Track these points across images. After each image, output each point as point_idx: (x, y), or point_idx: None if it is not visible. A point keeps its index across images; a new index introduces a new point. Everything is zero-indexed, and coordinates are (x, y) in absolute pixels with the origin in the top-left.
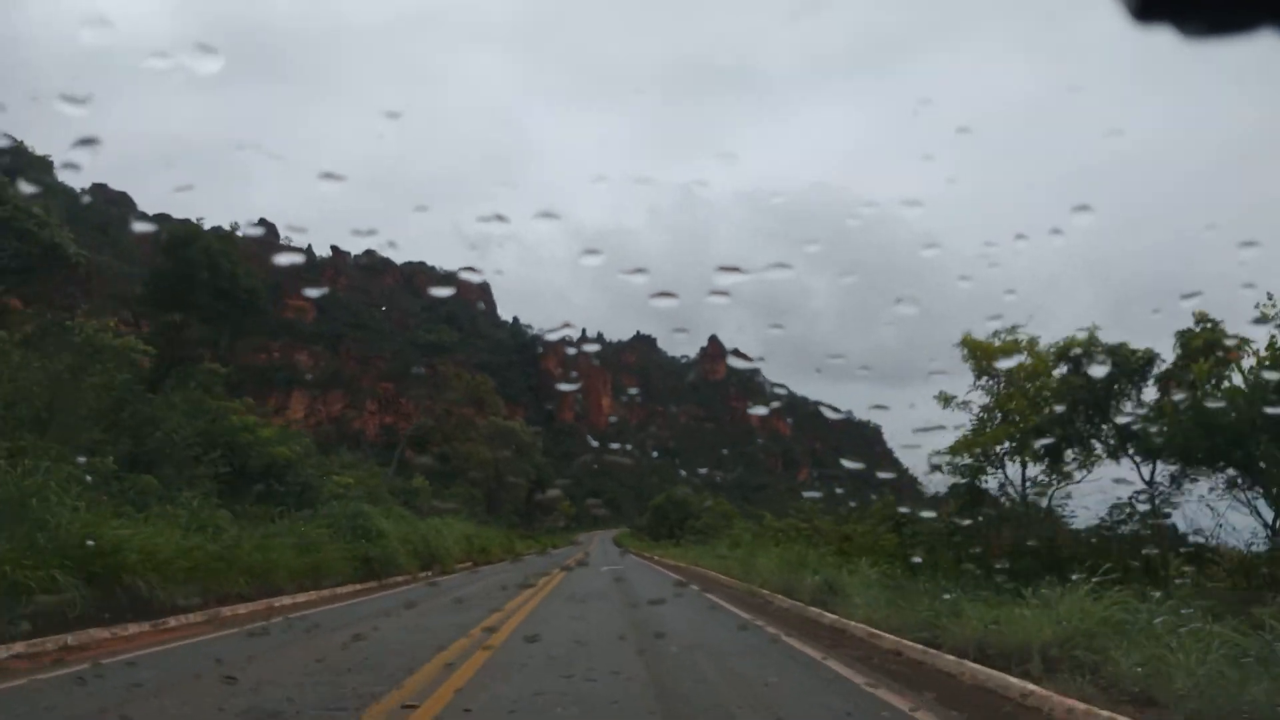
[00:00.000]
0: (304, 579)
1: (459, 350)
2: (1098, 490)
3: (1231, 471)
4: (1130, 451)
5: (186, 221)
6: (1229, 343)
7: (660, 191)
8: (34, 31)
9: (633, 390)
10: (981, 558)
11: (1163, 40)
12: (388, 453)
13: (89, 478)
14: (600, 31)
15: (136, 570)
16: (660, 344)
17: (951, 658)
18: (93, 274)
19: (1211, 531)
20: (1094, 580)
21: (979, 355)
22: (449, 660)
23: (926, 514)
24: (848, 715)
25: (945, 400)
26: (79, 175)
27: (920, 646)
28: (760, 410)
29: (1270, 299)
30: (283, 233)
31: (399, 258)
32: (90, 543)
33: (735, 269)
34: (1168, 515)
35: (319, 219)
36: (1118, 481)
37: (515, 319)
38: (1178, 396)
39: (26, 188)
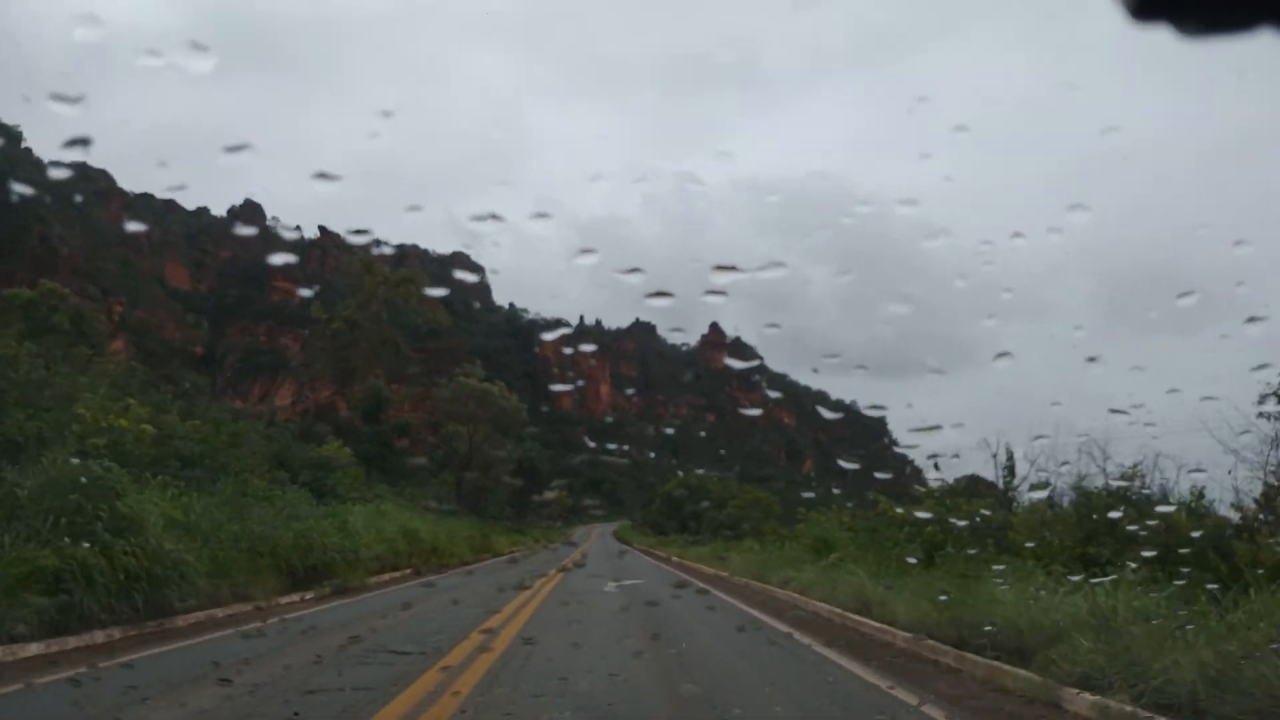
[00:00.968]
0: None
1: (453, 335)
2: None
3: None
4: None
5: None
6: None
7: (658, 181)
8: (27, 26)
9: (630, 391)
10: None
11: (1161, 39)
12: (377, 443)
13: None
14: (599, 24)
15: None
16: (660, 331)
17: None
18: None
19: None
20: None
21: None
22: None
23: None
24: None
25: None
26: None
27: None
28: (754, 411)
29: None
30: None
31: (391, 242)
32: None
33: (732, 268)
34: None
35: (313, 210)
36: None
37: (511, 305)
38: None
39: None
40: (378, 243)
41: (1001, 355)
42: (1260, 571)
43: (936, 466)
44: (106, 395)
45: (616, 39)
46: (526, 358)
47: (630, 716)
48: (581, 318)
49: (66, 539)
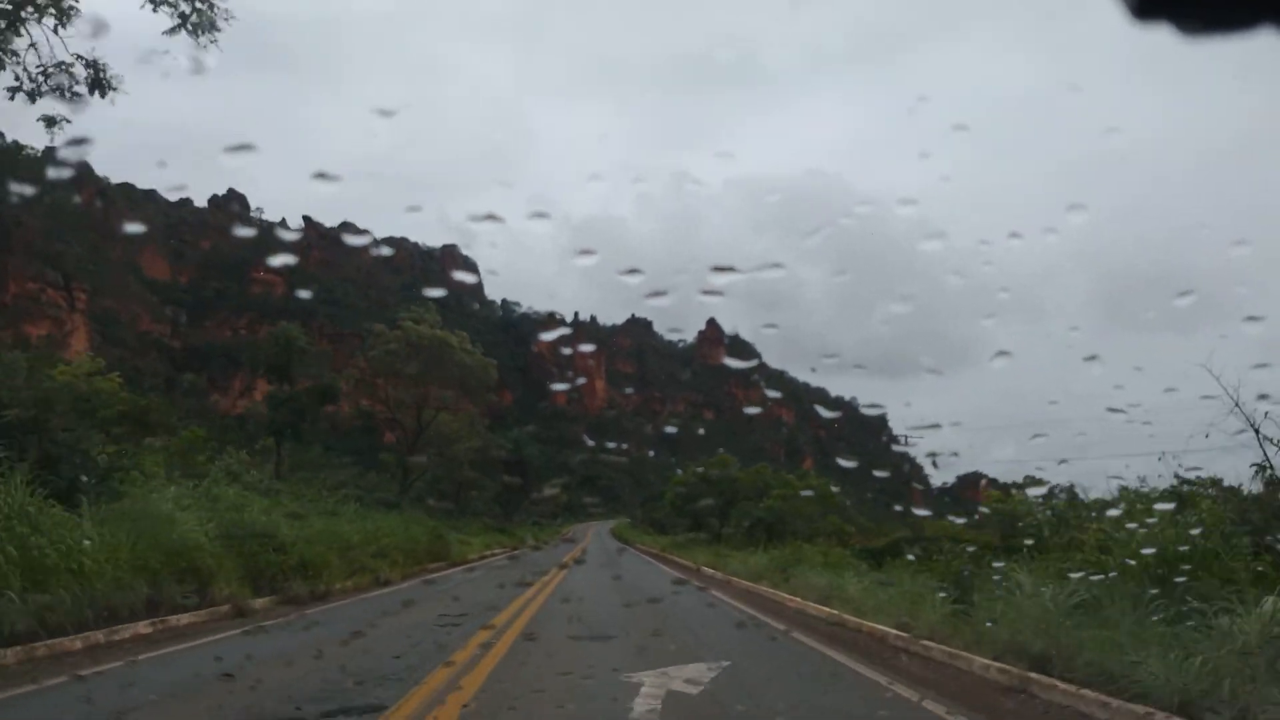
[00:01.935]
0: None
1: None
2: None
3: None
4: None
5: None
6: None
7: (655, 180)
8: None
9: (629, 390)
10: None
11: (1161, 39)
12: (364, 439)
13: None
14: (599, 24)
15: None
16: (656, 327)
17: None
18: None
19: None
20: None
21: None
22: None
23: None
24: None
25: None
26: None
27: None
28: (754, 410)
29: None
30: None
31: (379, 235)
32: None
33: (729, 269)
34: None
35: (314, 210)
36: None
37: (504, 300)
38: None
39: None
40: (376, 243)
41: (1000, 354)
42: None
43: (935, 465)
44: None
45: (616, 39)
46: (519, 353)
47: None
48: (576, 314)
49: None
